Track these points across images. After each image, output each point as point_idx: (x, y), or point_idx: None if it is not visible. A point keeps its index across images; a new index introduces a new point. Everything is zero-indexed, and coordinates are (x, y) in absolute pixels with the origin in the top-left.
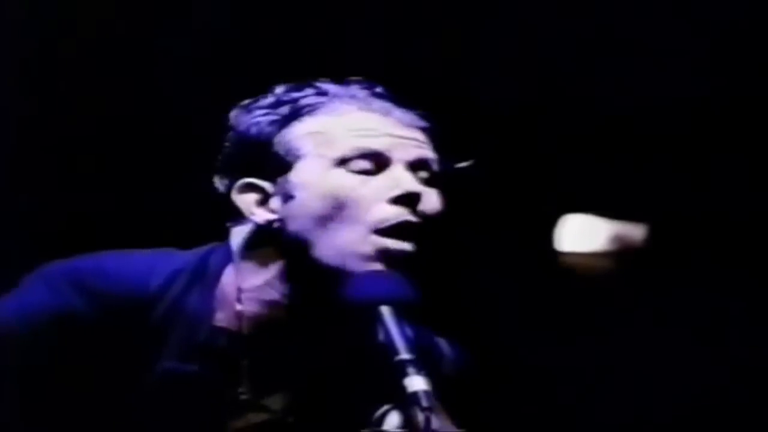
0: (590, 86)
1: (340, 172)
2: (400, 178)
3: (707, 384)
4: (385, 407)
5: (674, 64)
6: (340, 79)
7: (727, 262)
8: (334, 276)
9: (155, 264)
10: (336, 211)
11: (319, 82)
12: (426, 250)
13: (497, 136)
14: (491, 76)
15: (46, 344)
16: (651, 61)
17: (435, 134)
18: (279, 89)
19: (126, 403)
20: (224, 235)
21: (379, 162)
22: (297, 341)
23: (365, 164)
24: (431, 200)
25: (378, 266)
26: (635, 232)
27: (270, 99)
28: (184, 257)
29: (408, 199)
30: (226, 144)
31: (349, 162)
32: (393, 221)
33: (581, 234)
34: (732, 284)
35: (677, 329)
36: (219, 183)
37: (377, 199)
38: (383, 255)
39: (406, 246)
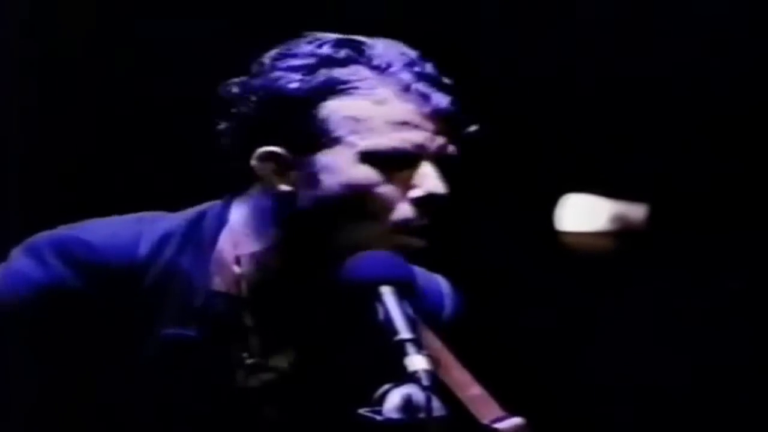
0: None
1: (367, 167)
2: (424, 177)
3: (705, 361)
4: (386, 386)
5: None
6: (381, 42)
7: (727, 241)
8: (345, 259)
9: (142, 230)
10: (358, 204)
11: (359, 42)
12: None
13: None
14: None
15: (39, 318)
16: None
17: (461, 115)
18: (317, 47)
19: (126, 372)
20: (216, 195)
21: (407, 159)
22: (299, 304)
23: (394, 161)
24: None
25: None
26: (636, 211)
27: (304, 59)
28: (172, 220)
29: (430, 201)
30: (251, 98)
31: (379, 157)
32: (414, 224)
33: (582, 213)
34: (732, 264)
35: (676, 309)
36: (231, 141)
37: (400, 198)
38: (401, 252)
39: (423, 243)
